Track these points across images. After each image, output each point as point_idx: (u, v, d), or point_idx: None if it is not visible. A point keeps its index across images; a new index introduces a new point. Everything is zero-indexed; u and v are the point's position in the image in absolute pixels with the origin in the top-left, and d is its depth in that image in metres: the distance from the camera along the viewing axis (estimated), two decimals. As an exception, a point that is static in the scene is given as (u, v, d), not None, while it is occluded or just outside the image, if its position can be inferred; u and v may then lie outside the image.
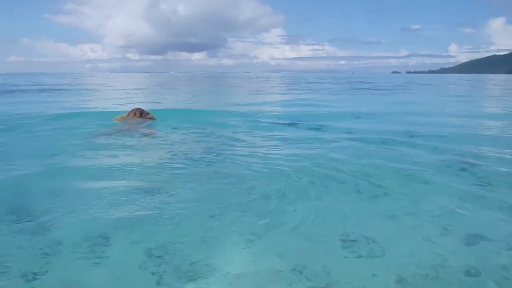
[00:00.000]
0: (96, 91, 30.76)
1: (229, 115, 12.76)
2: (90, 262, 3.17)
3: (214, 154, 6.78)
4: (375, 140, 8.28)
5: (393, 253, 3.37)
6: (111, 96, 23.86)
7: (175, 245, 3.44)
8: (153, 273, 3.01)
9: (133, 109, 10.62)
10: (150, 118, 10.56)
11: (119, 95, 25.39)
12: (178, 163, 6.18)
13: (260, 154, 6.79)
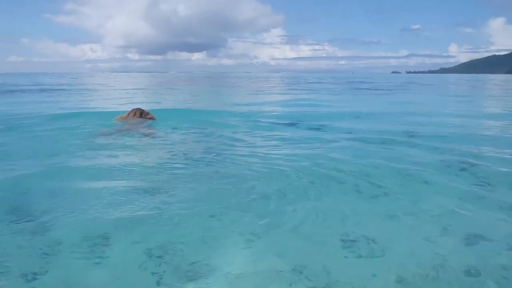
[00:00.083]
0: (96, 91, 30.75)
1: (229, 115, 12.76)
2: (90, 262, 3.16)
3: (214, 154, 6.78)
4: (375, 140, 8.28)
5: (393, 253, 3.36)
6: (111, 96, 23.85)
7: (175, 245, 3.44)
8: (153, 273, 3.01)
9: (133, 109, 10.61)
10: (150, 118, 10.55)
11: (119, 95, 25.38)
12: (178, 163, 6.18)
13: (260, 154, 6.78)
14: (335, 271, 3.06)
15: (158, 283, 2.89)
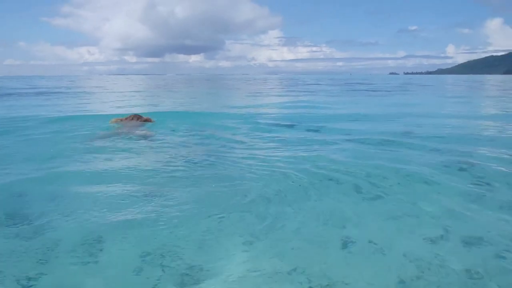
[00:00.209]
0: (94, 94, 30.69)
1: (228, 117, 12.75)
2: (85, 267, 3.13)
3: (213, 156, 6.75)
4: (374, 141, 8.27)
5: (394, 254, 3.34)
6: (109, 99, 23.81)
7: (173, 248, 3.40)
8: (149, 278, 2.97)
9: (130, 115, 10.73)
10: (146, 121, 10.58)
11: (117, 98, 25.36)
12: (176, 166, 6.14)
13: (259, 156, 6.76)
14: (336, 272, 3.04)
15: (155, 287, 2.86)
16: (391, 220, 4.07)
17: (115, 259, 3.28)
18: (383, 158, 6.49)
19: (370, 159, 6.40)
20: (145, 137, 8.71)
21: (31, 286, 2.87)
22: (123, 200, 4.50)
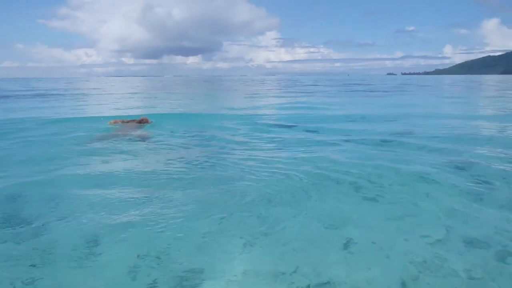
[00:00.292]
0: (91, 95, 30.65)
1: (227, 119, 12.73)
2: (83, 269, 3.10)
3: (211, 158, 6.72)
4: (373, 142, 8.28)
5: (394, 254, 3.33)
6: (107, 101, 23.78)
7: (172, 250, 3.38)
8: (148, 279, 2.94)
9: (129, 119, 10.76)
10: (145, 122, 10.57)
11: (115, 99, 25.32)
12: (175, 167, 6.12)
13: (258, 157, 6.74)
14: (337, 272, 3.03)
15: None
16: (392, 220, 4.06)
17: (112, 261, 3.24)
18: (383, 159, 6.48)
19: (370, 160, 6.39)
20: (143, 138, 8.68)
21: (28, 288, 2.83)
22: (121, 202, 4.47)
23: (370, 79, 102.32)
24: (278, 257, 3.29)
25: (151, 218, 4.00)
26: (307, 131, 10.27)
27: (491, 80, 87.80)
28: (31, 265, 3.15)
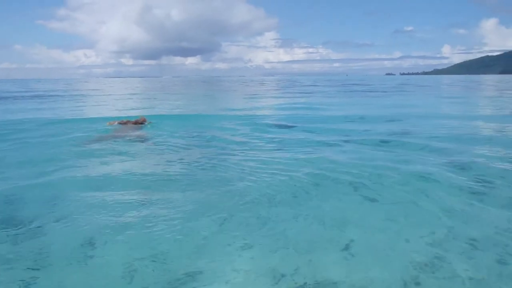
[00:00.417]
0: (90, 96, 30.63)
1: (226, 119, 12.71)
2: (80, 272, 3.08)
3: (211, 159, 6.70)
4: (373, 142, 8.27)
5: (394, 255, 3.32)
6: (106, 102, 23.76)
7: (171, 251, 3.36)
8: (147, 281, 2.93)
9: (128, 120, 10.73)
10: (144, 122, 10.56)
11: (114, 100, 25.30)
12: (174, 168, 6.11)
13: (258, 158, 6.72)
14: (337, 273, 3.02)
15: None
16: (392, 220, 4.05)
17: (111, 263, 3.22)
18: (383, 159, 6.47)
19: (370, 160, 6.38)
20: (142, 139, 8.66)
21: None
22: (120, 203, 4.45)
23: (369, 79, 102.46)
24: (278, 258, 3.27)
25: (150, 219, 3.99)
26: (307, 131, 10.25)
27: (490, 80, 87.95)
28: (28, 267, 3.13)
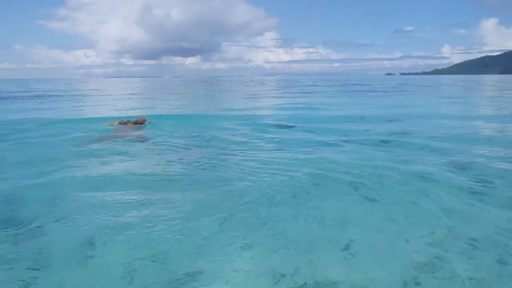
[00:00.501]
0: (90, 96, 30.63)
1: (226, 119, 12.70)
2: (80, 272, 3.08)
3: (211, 159, 6.70)
4: (373, 142, 8.27)
5: (394, 255, 3.32)
6: (105, 102, 23.76)
7: (171, 252, 3.35)
8: (146, 281, 2.92)
9: (128, 120, 10.72)
10: (143, 123, 10.56)
11: (114, 100, 25.30)
12: (174, 168, 6.11)
13: (258, 158, 6.72)
14: (338, 273, 3.02)
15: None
16: (392, 220, 4.04)
17: (111, 263, 3.22)
18: (383, 159, 6.47)
19: (370, 160, 6.37)
20: (142, 139, 8.66)
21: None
22: (120, 203, 4.45)
23: (368, 79, 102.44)
24: (278, 258, 3.27)
25: (150, 219, 3.98)
26: (307, 131, 10.25)
27: (490, 80, 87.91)
28: (28, 267, 3.13)
